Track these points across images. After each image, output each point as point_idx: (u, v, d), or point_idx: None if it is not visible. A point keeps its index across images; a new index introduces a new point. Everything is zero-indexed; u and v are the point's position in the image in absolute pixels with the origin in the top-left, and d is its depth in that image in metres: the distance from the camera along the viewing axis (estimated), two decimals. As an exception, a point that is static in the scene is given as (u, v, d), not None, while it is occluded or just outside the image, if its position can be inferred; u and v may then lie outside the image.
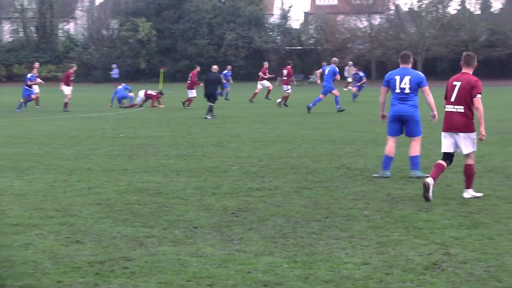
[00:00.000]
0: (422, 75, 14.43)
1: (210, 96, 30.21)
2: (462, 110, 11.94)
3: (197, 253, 8.68)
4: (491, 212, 10.72)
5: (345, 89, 57.95)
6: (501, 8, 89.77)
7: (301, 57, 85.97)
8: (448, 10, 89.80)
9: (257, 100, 43.27)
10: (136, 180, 14.04)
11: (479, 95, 11.88)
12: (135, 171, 15.21)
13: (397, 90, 14.24)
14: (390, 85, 14.34)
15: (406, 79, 14.19)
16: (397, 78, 14.25)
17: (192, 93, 37.69)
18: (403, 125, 14.38)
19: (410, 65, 14.43)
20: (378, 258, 8.35)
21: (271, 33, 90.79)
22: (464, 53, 12.51)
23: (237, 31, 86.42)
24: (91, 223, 10.31)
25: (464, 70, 12.26)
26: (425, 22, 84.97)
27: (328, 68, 33.06)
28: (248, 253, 8.68)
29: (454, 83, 12.18)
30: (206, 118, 29.53)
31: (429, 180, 11.65)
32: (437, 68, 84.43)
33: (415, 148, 14.36)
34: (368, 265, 8.07)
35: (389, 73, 14.53)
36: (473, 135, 11.98)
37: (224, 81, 46.33)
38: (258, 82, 44.12)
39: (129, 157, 17.52)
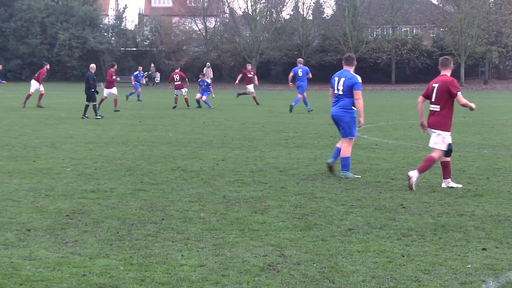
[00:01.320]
0: (357, 79, 14.55)
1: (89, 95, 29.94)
2: (438, 109, 13.13)
3: (30, 256, 8.51)
4: (324, 214, 11.04)
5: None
6: (332, 14, 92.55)
7: (137, 58, 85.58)
8: (282, 15, 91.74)
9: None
10: (-36, 182, 13.59)
11: (459, 93, 13.05)
12: (-37, 173, 14.72)
13: (335, 91, 14.56)
14: (332, 85, 14.66)
15: (341, 81, 14.45)
16: (336, 79, 14.59)
17: (108, 92, 35.89)
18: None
19: (352, 68, 14.69)
20: (214, 260, 8.45)
21: (105, 33, 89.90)
22: (441, 57, 13.71)
23: (71, 31, 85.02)
24: None
25: (442, 72, 13.37)
26: (259, 26, 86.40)
27: (301, 70, 34.57)
28: (83, 255, 8.58)
29: (433, 85, 13.29)
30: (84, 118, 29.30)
31: (411, 173, 12.95)
32: (271, 72, 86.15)
33: (346, 149, 14.60)
34: (204, 267, 8.14)
35: (334, 74, 14.81)
36: (445, 133, 13.15)
37: (136, 82, 45.85)
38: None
39: (-43, 158, 16.93)
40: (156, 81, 77.91)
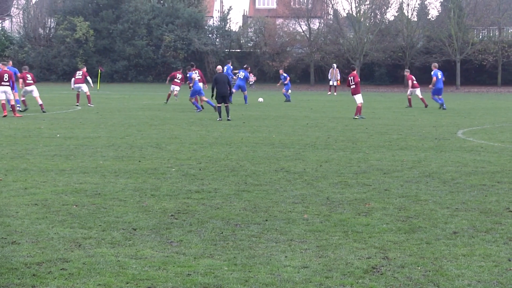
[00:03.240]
0: None
1: (224, 96, 30.07)
2: None
3: (136, 255, 8.63)
4: (429, 216, 10.86)
5: (329, 93, 58.77)
6: (437, 15, 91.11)
7: (241, 59, 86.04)
8: (386, 16, 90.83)
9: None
10: (73, 181, 13.89)
11: None
12: (72, 172, 15.05)
13: None
14: None
15: None
16: None
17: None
18: None
19: None
20: (318, 261, 8.40)
21: (210, 35, 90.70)
22: None
23: (176, 32, 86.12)
24: (28, 223, 10.17)
25: None
26: (363, 28, 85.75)
27: (440, 73, 38.06)
28: (188, 255, 8.65)
29: None
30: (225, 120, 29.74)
31: None
32: (375, 73, 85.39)
33: None
34: (307, 268, 8.10)
35: None
36: None
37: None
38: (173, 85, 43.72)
39: (66, 158, 17.33)
40: (250, 83, 78.00)
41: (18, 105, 35.03)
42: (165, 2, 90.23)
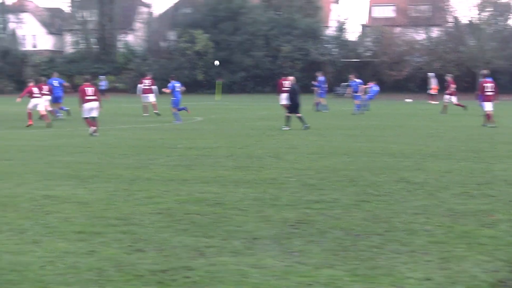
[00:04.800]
0: None
1: (298, 107, 30.42)
2: None
3: (257, 264, 8.70)
4: (556, 229, 10.54)
5: (432, 102, 57.74)
6: None
7: (358, 69, 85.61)
8: (508, 23, 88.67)
9: (311, 112, 43.28)
10: (195, 190, 14.11)
11: None
12: (194, 182, 15.29)
13: None
14: None
15: None
16: None
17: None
18: None
19: None
20: (441, 273, 8.27)
21: (327, 45, 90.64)
22: None
23: (293, 43, 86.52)
24: (152, 232, 10.40)
25: None
26: (485, 35, 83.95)
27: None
28: (309, 265, 8.66)
29: None
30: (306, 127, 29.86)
31: None
32: (498, 82, 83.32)
33: None
34: (431, 281, 7.99)
35: None
36: None
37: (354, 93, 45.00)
38: None
39: (187, 168, 17.62)
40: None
41: (59, 114, 36.44)
42: (282, 13, 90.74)
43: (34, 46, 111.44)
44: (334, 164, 18.39)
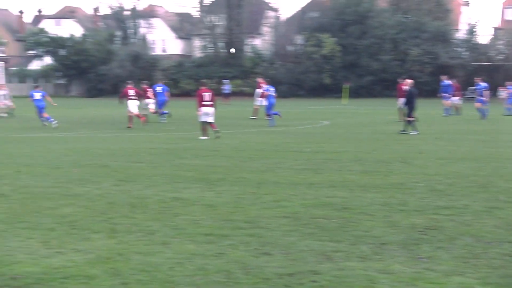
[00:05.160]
0: None
1: (413, 110, 30.11)
2: None
3: (385, 270, 8.61)
4: None
5: None
6: None
7: (489, 72, 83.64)
8: None
9: (438, 116, 42.60)
10: (321, 195, 14.09)
11: None
12: (320, 186, 15.26)
13: None
14: None
15: None
16: None
17: None
18: None
19: None
20: None
21: (457, 48, 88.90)
22: None
23: (422, 46, 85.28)
24: (279, 235, 10.44)
25: None
26: None
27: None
28: (438, 272, 8.51)
29: None
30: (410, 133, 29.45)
31: None
32: None
33: None
34: None
35: None
36: None
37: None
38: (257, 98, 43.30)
39: (314, 172, 17.61)
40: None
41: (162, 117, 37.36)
42: (411, 16, 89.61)
43: (164, 51, 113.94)
44: (463, 169, 18.00)
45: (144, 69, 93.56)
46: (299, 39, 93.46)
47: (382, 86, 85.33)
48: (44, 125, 35.80)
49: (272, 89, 37.10)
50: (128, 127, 33.57)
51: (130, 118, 34.45)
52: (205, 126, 27.38)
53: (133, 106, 34.76)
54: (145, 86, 39.87)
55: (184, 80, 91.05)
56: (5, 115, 42.45)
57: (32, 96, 37.14)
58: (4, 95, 43.11)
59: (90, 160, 20.06)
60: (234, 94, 72.54)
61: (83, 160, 19.92)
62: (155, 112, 39.36)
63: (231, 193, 14.24)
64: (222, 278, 8.31)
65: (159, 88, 40.73)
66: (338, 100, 74.16)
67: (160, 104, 40.15)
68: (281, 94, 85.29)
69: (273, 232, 10.64)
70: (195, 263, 8.91)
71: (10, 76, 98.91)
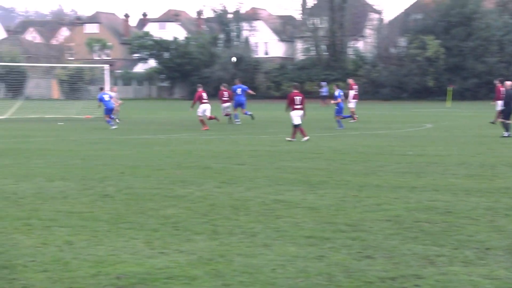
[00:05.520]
0: None
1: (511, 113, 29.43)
2: None
3: (489, 275, 8.45)
4: None
5: None
6: None
7: None
8: None
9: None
10: (424, 198, 13.91)
11: None
12: (423, 189, 15.08)
13: None
14: None
15: None
16: None
17: None
18: None
19: None
20: None
21: None
22: None
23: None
24: (381, 239, 10.37)
25: None
26: None
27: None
28: (545, 279, 8.31)
29: None
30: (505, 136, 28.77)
31: None
32: None
33: None
34: None
35: None
36: None
37: None
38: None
39: (417, 175, 17.41)
40: None
41: (237, 120, 37.36)
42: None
43: (266, 53, 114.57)
44: None
45: (247, 72, 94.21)
46: (402, 41, 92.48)
47: (487, 89, 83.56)
48: (117, 123, 37.09)
49: (342, 93, 36.95)
50: (204, 129, 34.17)
51: (202, 121, 35.19)
52: (296, 129, 27.41)
53: (204, 109, 35.55)
54: (223, 88, 40.55)
55: (286, 82, 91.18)
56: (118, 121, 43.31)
57: (102, 98, 37.96)
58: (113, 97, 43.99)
59: (192, 162, 20.33)
60: (328, 96, 71.77)
61: (185, 162, 20.20)
62: (227, 115, 40.20)
63: (333, 196, 14.21)
64: (324, 281, 8.30)
65: (239, 90, 40.94)
66: (442, 103, 73.05)
67: (239, 105, 40.50)
68: (383, 97, 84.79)
69: (375, 236, 10.57)
70: (297, 266, 8.93)
71: (116, 79, 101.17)
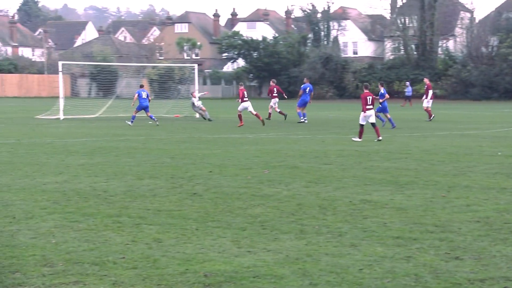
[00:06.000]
0: None
1: None
2: None
3: None
4: None
5: None
6: None
7: None
8: None
9: None
10: (516, 200, 13.69)
11: None
12: (514, 191, 14.83)
13: None
14: None
15: None
16: None
17: None
18: None
19: None
20: None
21: None
22: None
23: None
24: (470, 240, 10.25)
25: None
26: None
27: None
28: None
29: None
30: None
31: None
32: None
33: None
34: None
35: None
36: None
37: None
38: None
39: (507, 176, 17.12)
40: None
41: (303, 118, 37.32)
42: None
43: (355, 53, 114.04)
44: None
45: (335, 71, 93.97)
46: (493, 40, 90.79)
47: None
48: (157, 125, 37.33)
49: (386, 92, 36.48)
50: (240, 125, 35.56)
51: (240, 116, 36.29)
52: (362, 129, 27.24)
53: (245, 107, 36.45)
54: (272, 84, 40.98)
55: (375, 82, 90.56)
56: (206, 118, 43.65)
57: (140, 95, 38.42)
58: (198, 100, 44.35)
59: (280, 161, 20.39)
60: (412, 96, 70.67)
61: (273, 161, 20.28)
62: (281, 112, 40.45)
63: (421, 196, 14.09)
64: (411, 281, 8.26)
65: (307, 89, 40.62)
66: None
67: (303, 104, 40.28)
68: (472, 97, 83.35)
69: (464, 237, 10.45)
70: (384, 266, 8.90)
71: (204, 78, 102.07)
